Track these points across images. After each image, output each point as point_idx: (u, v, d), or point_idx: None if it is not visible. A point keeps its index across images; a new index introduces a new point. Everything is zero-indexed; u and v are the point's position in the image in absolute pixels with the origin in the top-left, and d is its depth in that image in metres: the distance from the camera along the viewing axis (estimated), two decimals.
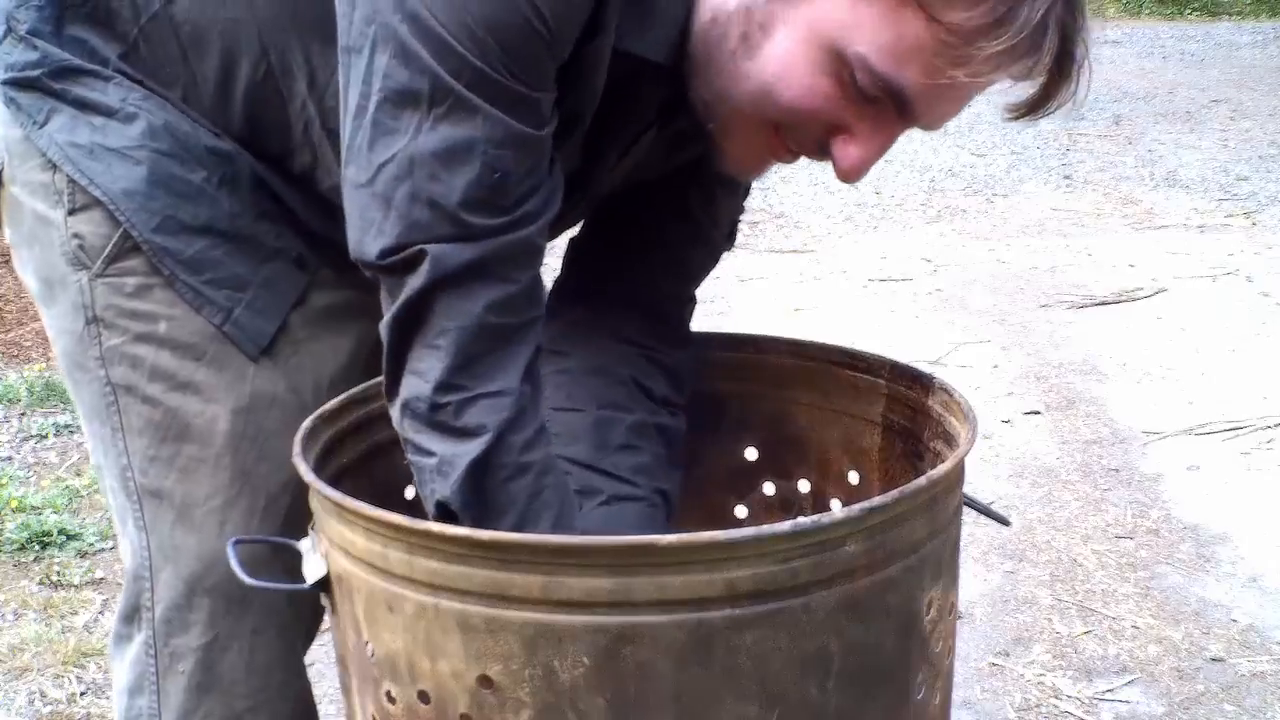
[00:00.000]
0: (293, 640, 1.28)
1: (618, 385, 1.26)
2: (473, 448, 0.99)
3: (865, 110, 1.01)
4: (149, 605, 1.24)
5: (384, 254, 0.98)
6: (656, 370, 1.28)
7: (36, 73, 1.18)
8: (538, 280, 1.04)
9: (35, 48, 1.18)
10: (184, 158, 1.17)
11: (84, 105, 1.18)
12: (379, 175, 0.97)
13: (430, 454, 1.01)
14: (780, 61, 0.99)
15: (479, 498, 1.00)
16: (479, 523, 1.00)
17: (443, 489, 1.00)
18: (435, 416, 1.00)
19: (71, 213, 1.18)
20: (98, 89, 1.17)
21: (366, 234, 0.99)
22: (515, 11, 0.93)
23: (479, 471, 0.99)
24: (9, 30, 1.20)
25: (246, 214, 1.20)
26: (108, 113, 1.17)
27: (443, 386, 0.99)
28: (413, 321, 1.00)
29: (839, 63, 0.98)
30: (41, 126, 1.18)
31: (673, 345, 1.30)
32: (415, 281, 0.98)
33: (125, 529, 1.25)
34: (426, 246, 0.97)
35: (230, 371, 1.20)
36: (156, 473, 1.21)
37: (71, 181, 1.17)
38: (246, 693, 1.25)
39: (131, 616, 1.26)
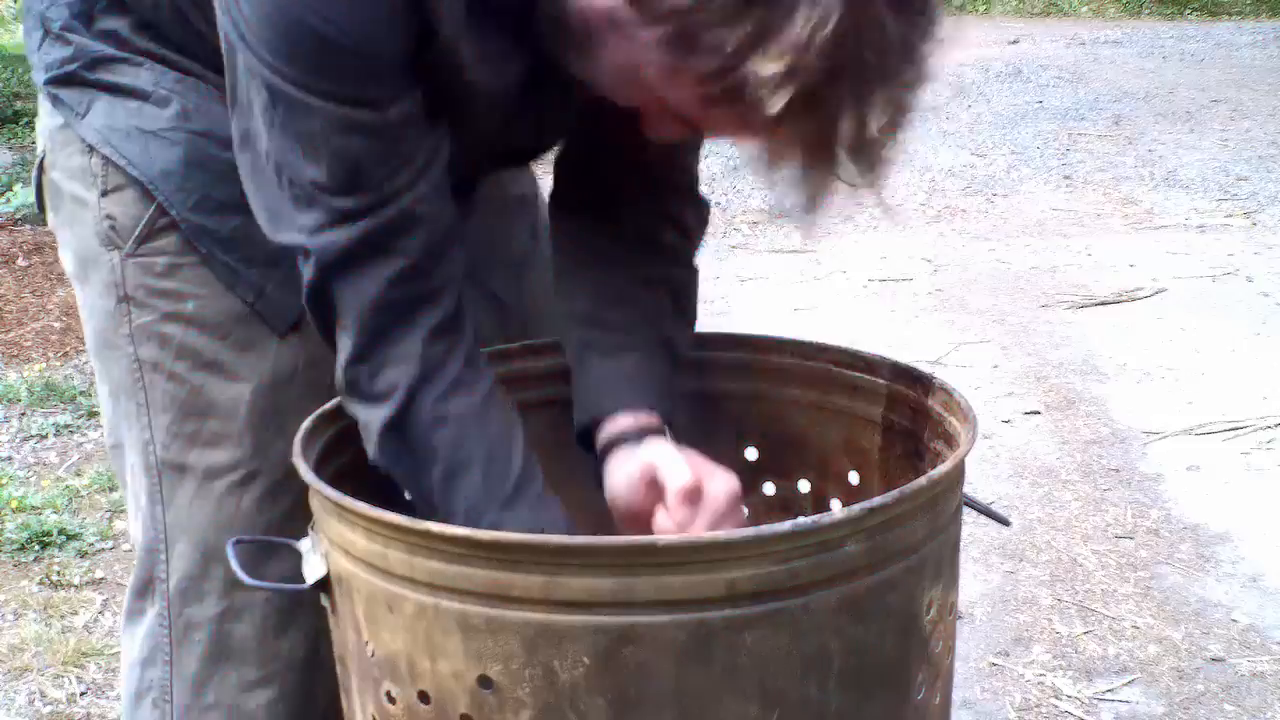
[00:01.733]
0: (303, 618, 1.29)
1: (619, 241, 1.26)
2: (385, 409, 1.06)
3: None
4: (163, 577, 1.27)
5: (280, 244, 1.06)
6: (661, 221, 1.28)
7: (73, 67, 1.23)
8: (436, 246, 1.07)
9: (69, 43, 1.23)
10: (217, 137, 1.19)
11: (120, 91, 1.22)
12: (253, 168, 1.05)
13: (359, 421, 1.09)
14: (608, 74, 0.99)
15: (402, 453, 1.07)
16: (410, 479, 1.08)
17: (371, 451, 1.08)
18: (355, 388, 1.08)
19: (104, 194, 1.23)
20: (130, 75, 1.22)
21: (264, 223, 1.07)
22: (305, 29, 0.97)
23: (395, 429, 1.07)
24: (45, 32, 1.25)
25: None
26: (143, 96, 1.22)
27: (355, 360, 1.07)
28: (321, 308, 1.07)
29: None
30: (83, 117, 1.24)
31: (678, 196, 1.29)
32: (308, 274, 1.05)
33: (139, 504, 1.28)
34: (306, 242, 1.04)
35: (254, 351, 1.24)
36: (179, 447, 1.25)
37: (106, 163, 1.23)
38: (258, 662, 1.27)
39: (144, 590, 1.29)
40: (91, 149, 1.23)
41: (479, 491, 1.07)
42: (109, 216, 1.23)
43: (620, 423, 1.17)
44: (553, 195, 1.32)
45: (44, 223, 1.34)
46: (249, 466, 1.24)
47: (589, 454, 1.20)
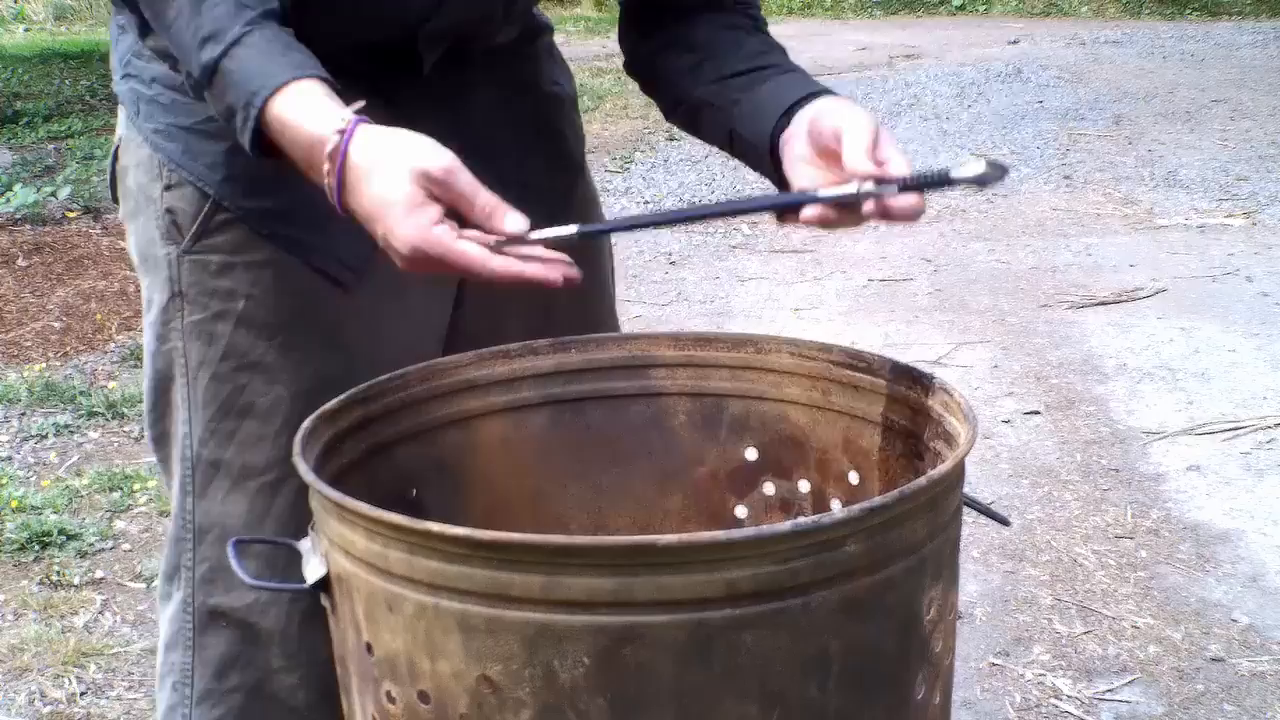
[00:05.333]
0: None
1: (708, 42, 1.32)
2: None
3: None
4: (189, 565, 1.29)
5: None
6: (734, 18, 1.33)
7: (129, 56, 1.27)
8: None
9: (128, 31, 1.27)
10: None
11: (155, 82, 1.25)
12: None
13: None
14: None
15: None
16: (161, 21, 1.11)
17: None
18: None
19: (168, 188, 1.26)
20: (159, 67, 1.24)
21: None
22: None
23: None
24: (119, 27, 1.28)
25: None
26: (174, 88, 1.24)
27: None
28: None
29: None
30: (137, 114, 1.27)
31: None
32: None
33: (173, 494, 1.30)
34: None
35: (298, 353, 1.26)
36: (216, 444, 1.27)
37: (165, 160, 1.25)
38: (281, 653, 1.28)
39: (173, 576, 1.31)
40: (154, 144, 1.25)
41: (229, 6, 1.06)
42: (169, 210, 1.25)
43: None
44: (631, 57, 1.39)
45: (116, 207, 1.38)
46: (282, 469, 1.24)
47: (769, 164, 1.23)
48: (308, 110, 1.02)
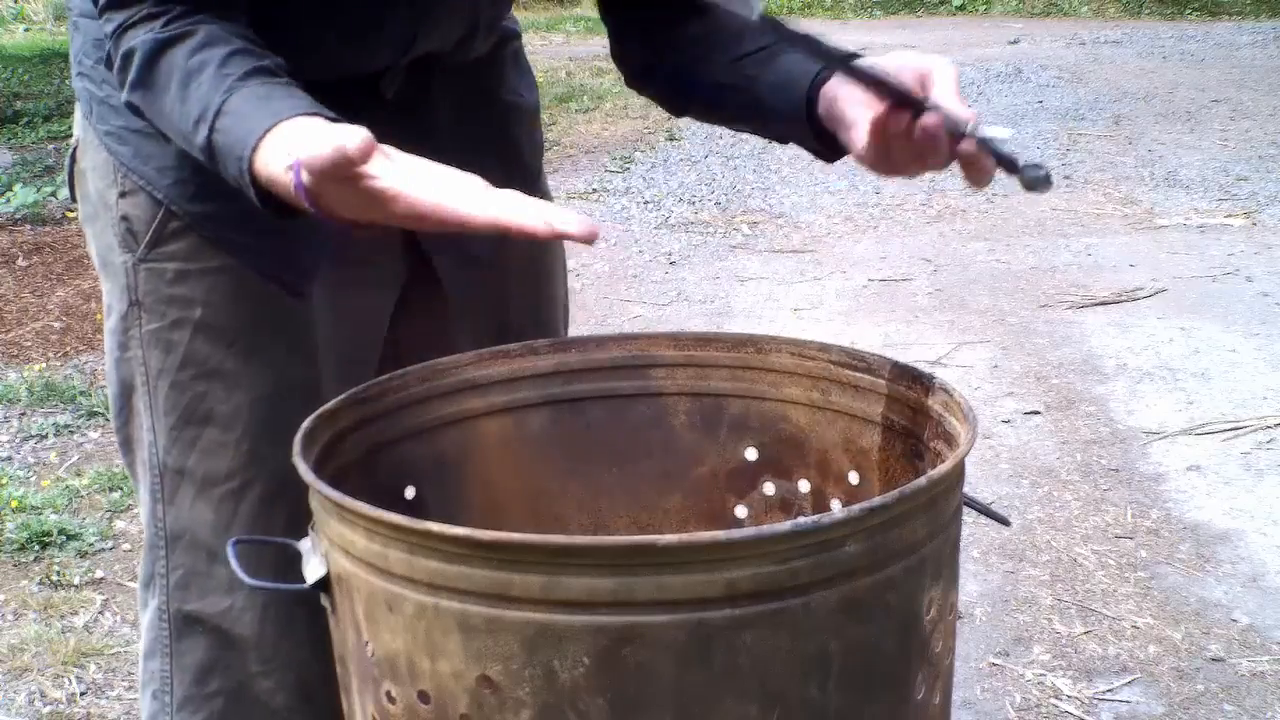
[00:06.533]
0: (305, 612, 1.30)
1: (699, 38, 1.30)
2: (133, 62, 1.09)
3: None
4: (163, 572, 1.28)
5: None
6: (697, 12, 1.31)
7: (79, 55, 1.26)
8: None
9: (80, 30, 1.25)
10: None
11: (105, 84, 1.23)
12: None
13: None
14: None
15: (147, 94, 1.09)
16: (155, 109, 1.09)
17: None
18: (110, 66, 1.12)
19: (122, 195, 1.25)
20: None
21: None
22: None
23: (139, 81, 1.09)
24: (73, 25, 1.27)
25: None
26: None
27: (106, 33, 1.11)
28: None
29: None
30: (90, 114, 1.26)
31: None
32: None
33: (143, 500, 1.30)
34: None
35: (256, 359, 1.25)
36: (179, 451, 1.26)
37: (120, 164, 1.24)
38: (258, 657, 1.28)
39: (149, 583, 1.30)
40: (106, 146, 1.24)
41: (211, 81, 1.04)
42: (125, 218, 1.24)
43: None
44: (631, 71, 1.37)
45: (74, 210, 1.38)
46: (244, 476, 1.25)
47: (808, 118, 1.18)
48: (271, 162, 0.99)
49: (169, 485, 1.27)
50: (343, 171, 0.94)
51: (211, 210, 1.22)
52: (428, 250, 1.34)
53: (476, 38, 1.31)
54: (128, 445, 1.31)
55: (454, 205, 0.94)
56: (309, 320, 1.28)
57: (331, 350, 1.30)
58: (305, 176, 0.96)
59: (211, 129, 1.03)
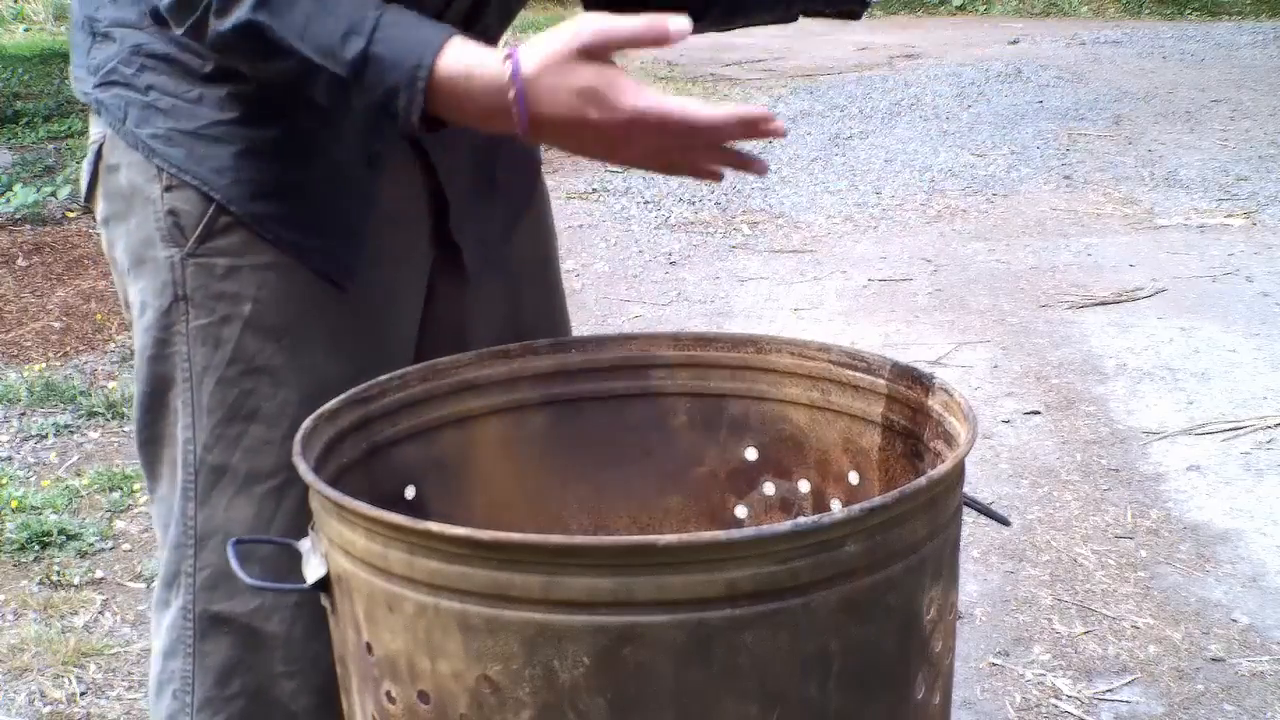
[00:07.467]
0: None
1: None
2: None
3: None
4: (190, 572, 1.27)
5: None
6: None
7: (113, 64, 1.24)
8: None
9: (113, 39, 1.24)
10: (257, 121, 1.22)
11: (152, 90, 1.23)
12: None
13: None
14: None
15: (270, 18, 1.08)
16: (282, 31, 1.08)
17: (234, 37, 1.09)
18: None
19: (168, 189, 1.24)
20: (164, 72, 1.23)
21: None
22: None
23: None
24: (93, 34, 1.25)
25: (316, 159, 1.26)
26: (174, 94, 1.22)
27: None
28: None
29: None
30: (123, 123, 1.24)
31: None
32: None
33: (172, 498, 1.28)
34: None
35: (304, 356, 1.25)
36: (222, 449, 1.25)
37: (163, 165, 1.23)
38: (284, 658, 1.27)
39: (171, 582, 1.29)
40: (151, 149, 1.24)
41: (352, 5, 1.07)
42: (172, 212, 1.23)
43: None
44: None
45: (89, 210, 1.35)
46: (288, 473, 1.23)
47: None
48: (471, 58, 1.05)
49: (204, 483, 1.26)
50: (607, 47, 1.03)
51: (268, 210, 1.23)
52: (458, 237, 1.36)
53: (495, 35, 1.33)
54: (155, 443, 1.30)
55: (687, 104, 1.03)
56: (354, 317, 1.28)
57: (375, 346, 1.30)
58: (526, 65, 1.03)
59: (370, 40, 1.06)
